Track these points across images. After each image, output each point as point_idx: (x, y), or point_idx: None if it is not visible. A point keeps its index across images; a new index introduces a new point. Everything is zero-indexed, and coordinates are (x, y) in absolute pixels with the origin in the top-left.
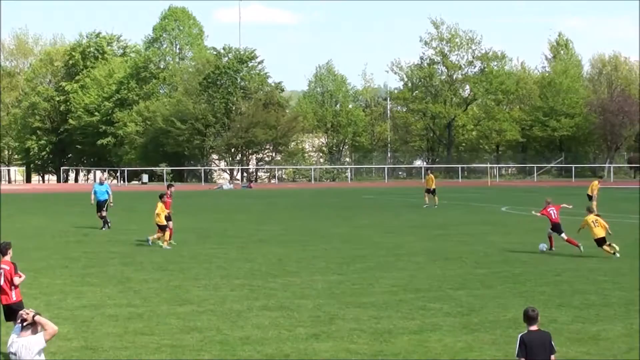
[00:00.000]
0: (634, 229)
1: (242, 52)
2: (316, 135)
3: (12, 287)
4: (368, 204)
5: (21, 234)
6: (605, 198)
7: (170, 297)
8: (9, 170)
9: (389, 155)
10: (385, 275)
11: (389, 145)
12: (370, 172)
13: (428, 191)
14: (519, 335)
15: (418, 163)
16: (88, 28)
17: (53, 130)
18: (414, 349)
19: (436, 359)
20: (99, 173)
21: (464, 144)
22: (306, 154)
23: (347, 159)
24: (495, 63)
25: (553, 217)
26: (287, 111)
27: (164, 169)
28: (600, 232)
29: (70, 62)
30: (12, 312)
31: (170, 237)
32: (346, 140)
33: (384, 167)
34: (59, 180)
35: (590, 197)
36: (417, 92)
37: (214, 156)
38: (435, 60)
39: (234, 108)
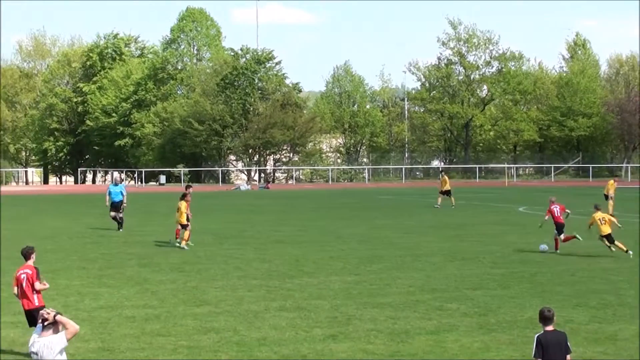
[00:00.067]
0: None
1: (259, 53)
2: (334, 135)
3: (34, 292)
4: (385, 205)
5: (38, 236)
6: (619, 198)
7: (187, 298)
8: (26, 172)
9: (406, 155)
10: (402, 275)
11: (406, 145)
12: (388, 172)
13: (442, 192)
14: (536, 336)
15: (435, 163)
16: (106, 29)
17: (70, 132)
18: (431, 350)
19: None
20: (116, 174)
21: (481, 144)
22: (324, 155)
23: (365, 160)
24: (513, 63)
25: (556, 215)
26: (304, 112)
27: (181, 170)
28: (606, 229)
29: (88, 63)
30: (35, 317)
31: (188, 237)
32: (363, 141)
33: (402, 168)
34: (76, 182)
35: (606, 197)
36: (434, 92)
37: (232, 157)
38: (453, 60)
39: (251, 109)
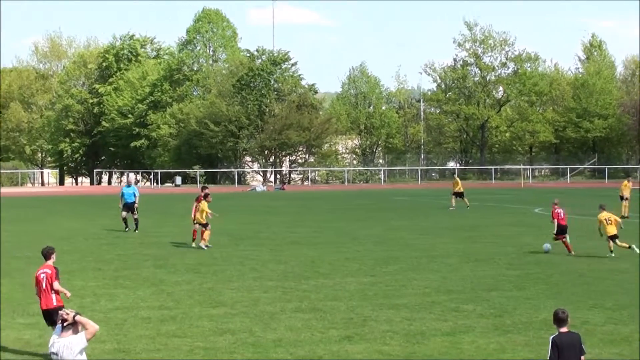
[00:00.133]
0: None
1: (275, 54)
2: (349, 137)
3: (53, 292)
4: (401, 206)
5: (54, 237)
6: (632, 199)
7: (203, 299)
8: (42, 173)
9: (422, 157)
10: (418, 276)
11: (422, 146)
12: (404, 173)
13: (455, 194)
14: (551, 338)
15: (451, 165)
16: (122, 30)
17: (86, 133)
18: (447, 351)
19: None
20: (132, 175)
21: (497, 146)
22: (339, 156)
23: (380, 161)
24: (529, 64)
25: (561, 217)
26: (320, 113)
27: (197, 171)
28: (612, 230)
29: (104, 64)
30: (53, 317)
31: (208, 238)
32: (379, 142)
33: (417, 169)
34: (92, 183)
35: (622, 198)
36: (450, 93)
37: (247, 158)
38: (469, 61)
39: (267, 110)
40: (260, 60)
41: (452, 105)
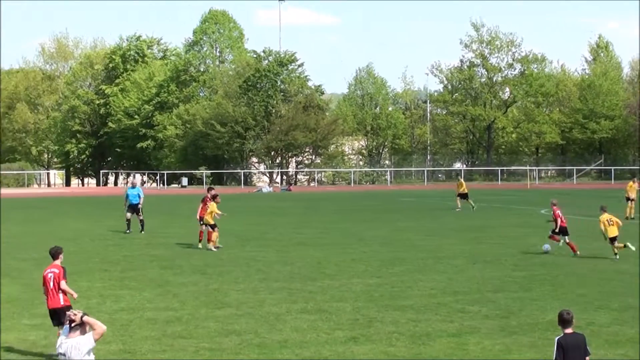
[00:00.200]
0: None
1: (282, 55)
2: (356, 138)
3: (60, 291)
4: (407, 207)
5: (60, 238)
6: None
7: (208, 301)
8: (48, 174)
9: (428, 157)
10: (424, 278)
11: (428, 147)
12: (410, 174)
13: (459, 195)
14: (556, 339)
15: (457, 166)
16: (128, 31)
17: (93, 134)
18: (453, 352)
19: None
20: (138, 176)
21: (503, 147)
22: (346, 157)
23: (387, 162)
24: (535, 65)
25: (562, 219)
26: (327, 114)
27: (203, 172)
28: (614, 232)
29: (111, 65)
30: (59, 316)
31: (209, 240)
32: (386, 143)
33: (424, 170)
34: (98, 184)
35: (628, 199)
36: (457, 94)
37: (254, 159)
38: (476, 62)
39: (273, 111)
40: (266, 61)
41: (458, 106)
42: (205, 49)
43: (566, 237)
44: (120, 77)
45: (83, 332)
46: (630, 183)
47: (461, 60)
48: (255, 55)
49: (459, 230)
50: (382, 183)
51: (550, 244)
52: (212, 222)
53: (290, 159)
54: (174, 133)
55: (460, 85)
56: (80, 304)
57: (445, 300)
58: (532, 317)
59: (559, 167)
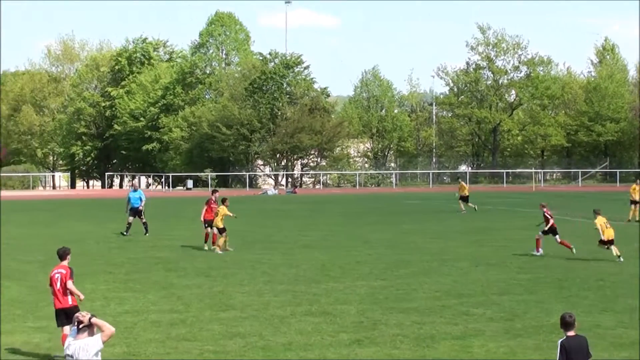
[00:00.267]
0: None
1: (288, 58)
2: (361, 140)
3: (67, 292)
4: (412, 210)
5: (65, 240)
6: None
7: (213, 303)
8: (53, 176)
9: (434, 160)
10: (428, 280)
11: (434, 150)
12: (415, 177)
13: (462, 198)
14: (559, 342)
15: (463, 168)
16: (135, 34)
17: (98, 136)
18: (457, 354)
19: None
20: (142, 178)
21: (509, 149)
22: (351, 160)
23: (392, 164)
24: (541, 68)
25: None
26: (332, 116)
27: (208, 174)
28: (611, 234)
29: (116, 67)
30: (67, 317)
31: (213, 242)
32: (391, 146)
33: (429, 173)
34: (103, 186)
35: (633, 202)
36: (462, 97)
37: (259, 162)
38: (481, 65)
39: (279, 113)
40: (272, 64)
41: (464, 108)
42: (211, 51)
43: (557, 236)
44: (126, 79)
45: (91, 334)
46: (634, 186)
47: (467, 63)
48: (261, 58)
49: (464, 232)
50: (387, 185)
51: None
52: (221, 226)
53: (295, 162)
54: (180, 135)
55: (466, 88)
56: (84, 306)
57: (450, 303)
58: (536, 320)
59: (564, 170)
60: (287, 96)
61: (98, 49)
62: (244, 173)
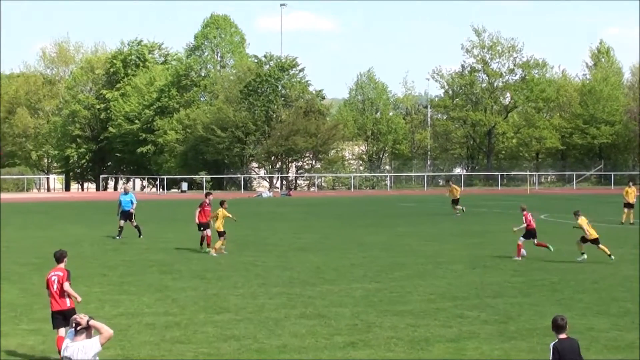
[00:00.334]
0: None
1: (283, 60)
2: (356, 143)
3: (64, 294)
4: (407, 212)
5: (59, 242)
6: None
7: (207, 306)
8: (48, 179)
9: (428, 163)
10: (423, 283)
11: (428, 153)
12: (410, 180)
13: (453, 201)
14: (552, 345)
15: (458, 171)
16: (130, 36)
17: (93, 138)
18: (451, 357)
19: None
20: (138, 181)
21: (503, 152)
22: (346, 162)
23: (387, 167)
24: (536, 71)
25: (531, 222)
26: (327, 119)
27: (203, 177)
28: (594, 233)
29: (111, 70)
30: (64, 319)
31: (208, 244)
32: (386, 148)
33: (424, 175)
34: (98, 189)
35: (627, 205)
36: (457, 99)
37: (254, 164)
38: (477, 68)
39: (274, 116)
40: (268, 66)
41: (459, 111)
42: (206, 53)
43: (534, 239)
44: (121, 81)
45: (89, 336)
46: (627, 189)
47: (462, 66)
48: (256, 60)
49: (459, 235)
50: (382, 188)
51: (526, 250)
52: (222, 230)
53: (290, 164)
54: (174, 138)
55: (461, 91)
56: (79, 309)
57: (444, 306)
58: (530, 323)
59: (559, 173)
60: (282, 99)
61: (93, 51)
62: (239, 175)
